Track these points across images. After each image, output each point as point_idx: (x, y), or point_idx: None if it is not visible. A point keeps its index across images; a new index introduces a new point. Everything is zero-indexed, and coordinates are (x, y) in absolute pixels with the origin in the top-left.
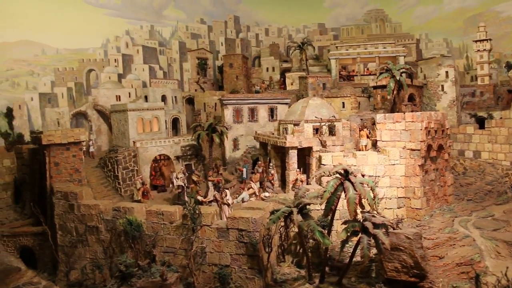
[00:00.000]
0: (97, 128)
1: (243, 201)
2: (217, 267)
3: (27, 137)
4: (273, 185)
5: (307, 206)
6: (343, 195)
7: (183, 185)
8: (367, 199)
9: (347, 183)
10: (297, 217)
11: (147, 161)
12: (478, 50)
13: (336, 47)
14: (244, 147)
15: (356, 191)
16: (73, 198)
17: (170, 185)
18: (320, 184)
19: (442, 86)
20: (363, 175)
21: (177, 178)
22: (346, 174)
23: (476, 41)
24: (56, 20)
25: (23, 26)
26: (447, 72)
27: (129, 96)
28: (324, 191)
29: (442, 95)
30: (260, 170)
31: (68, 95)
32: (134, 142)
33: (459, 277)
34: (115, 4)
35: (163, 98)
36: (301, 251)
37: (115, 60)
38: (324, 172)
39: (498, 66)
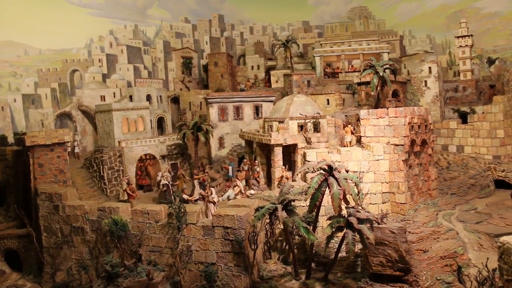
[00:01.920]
0: (82, 129)
1: (228, 199)
2: (203, 265)
3: (10, 139)
4: (258, 182)
5: (292, 203)
6: (327, 191)
7: (168, 183)
8: (351, 195)
9: (331, 179)
10: (282, 214)
11: (133, 160)
12: (460, 46)
13: (321, 44)
14: (229, 145)
15: (340, 186)
16: (57, 199)
17: (156, 185)
18: (305, 181)
19: (426, 81)
20: (347, 171)
21: (163, 177)
22: (330, 170)
23: (458, 37)
24: (38, 20)
25: (4, 26)
26: (430, 67)
27: (114, 96)
28: (309, 187)
29: (425, 90)
30: (246, 168)
31: (52, 96)
32: (119, 142)
33: (443, 270)
34: (99, 3)
35: (148, 98)
36: (287, 247)
37: (99, 60)
38: (308, 168)
39: (480, 61)
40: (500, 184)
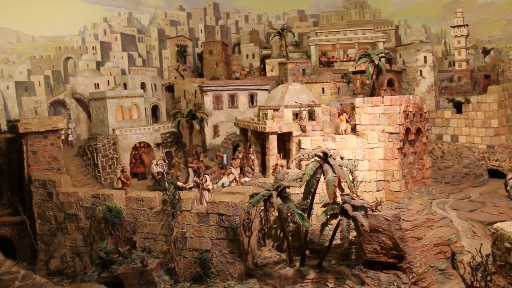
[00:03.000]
0: (76, 117)
1: (223, 186)
2: (198, 252)
3: (3, 127)
4: (253, 170)
5: (287, 189)
6: (322, 178)
7: (163, 171)
8: (346, 182)
9: (326, 166)
10: (277, 200)
11: (127, 148)
12: (456, 36)
13: (316, 33)
14: (224, 133)
15: (335, 173)
16: (51, 186)
17: (151, 172)
18: (299, 168)
19: (421, 71)
20: (342, 158)
21: (157, 165)
22: (325, 157)
23: (453, 27)
24: (31, 6)
25: None
26: (425, 57)
27: (108, 84)
28: (304, 174)
29: (420, 80)
30: (241, 156)
31: (46, 84)
32: (113, 130)
33: (436, 257)
34: None
35: (143, 86)
36: (281, 235)
37: (93, 47)
38: (303, 155)
39: (475, 52)
40: (494, 173)
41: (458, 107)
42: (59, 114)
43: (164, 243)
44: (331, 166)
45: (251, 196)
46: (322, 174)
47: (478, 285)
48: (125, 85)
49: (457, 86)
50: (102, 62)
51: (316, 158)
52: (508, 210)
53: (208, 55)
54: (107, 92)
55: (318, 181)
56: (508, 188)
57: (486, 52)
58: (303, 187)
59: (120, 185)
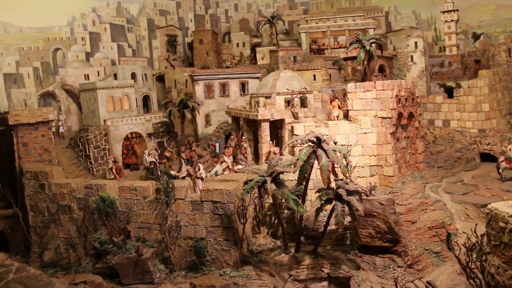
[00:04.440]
0: (66, 108)
1: (216, 174)
2: (193, 240)
3: None
4: (246, 158)
5: (281, 176)
6: (316, 163)
7: (155, 161)
8: (340, 166)
9: (319, 151)
10: (271, 186)
11: (119, 139)
12: (446, 21)
13: (306, 20)
14: (216, 122)
15: (329, 158)
16: (43, 178)
17: (143, 162)
18: (293, 155)
19: (412, 56)
20: (335, 143)
21: (149, 155)
22: (318, 142)
23: (443, 12)
24: None
25: None
26: (416, 42)
27: (98, 75)
28: (297, 159)
29: (411, 65)
30: (233, 144)
31: (35, 75)
32: (104, 121)
33: (431, 240)
34: None
35: (133, 76)
36: (276, 221)
37: (82, 38)
38: (296, 141)
39: (465, 37)
40: (486, 157)
41: (449, 92)
42: (49, 106)
43: (159, 232)
44: (324, 151)
45: (245, 183)
46: (316, 159)
47: (473, 265)
48: (115, 75)
49: (448, 71)
50: (92, 53)
51: (310, 143)
52: (501, 192)
53: (198, 44)
54: (98, 82)
55: (312, 166)
56: (500, 170)
57: (476, 37)
58: (297, 173)
59: (112, 176)
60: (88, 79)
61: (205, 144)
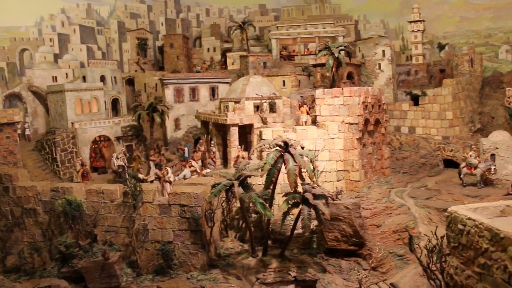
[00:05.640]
0: (33, 110)
1: (184, 178)
2: (160, 244)
3: None
4: (215, 162)
5: (248, 179)
6: (283, 167)
7: (124, 164)
8: (307, 171)
9: (287, 155)
10: (238, 190)
11: (87, 142)
12: (413, 31)
13: (277, 27)
14: (185, 127)
15: (296, 162)
16: (7, 180)
17: (112, 166)
18: (261, 159)
19: (379, 64)
20: (302, 147)
21: (118, 158)
22: (286, 146)
23: (410, 22)
24: None
25: None
26: (383, 51)
27: (67, 77)
28: (265, 163)
29: (379, 73)
30: (202, 148)
31: (0, 76)
32: (72, 124)
33: (395, 243)
34: None
35: (102, 79)
36: (243, 225)
37: (51, 39)
38: (264, 145)
39: (431, 47)
40: (449, 163)
41: (415, 100)
42: (14, 107)
43: (126, 235)
44: (292, 155)
45: (213, 186)
46: (283, 164)
47: (433, 267)
48: (84, 78)
49: (414, 79)
50: (60, 54)
51: (277, 147)
52: (462, 197)
53: (169, 48)
54: (66, 85)
55: (279, 171)
56: (461, 176)
57: (441, 47)
58: (264, 177)
59: (80, 179)
60: (56, 81)
61: (174, 148)
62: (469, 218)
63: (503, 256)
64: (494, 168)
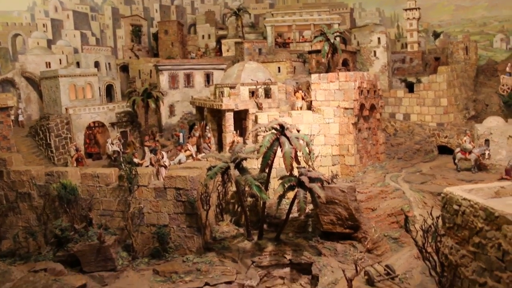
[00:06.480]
0: (26, 96)
1: (180, 162)
2: (156, 227)
3: None
4: (210, 148)
5: (244, 163)
6: (279, 151)
7: (119, 150)
8: (302, 154)
9: (283, 138)
10: (234, 172)
11: (81, 128)
12: (408, 19)
13: (272, 14)
14: (180, 113)
15: (292, 145)
16: (1, 165)
17: (106, 152)
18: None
19: (375, 51)
20: (298, 131)
21: (112, 144)
22: (281, 129)
23: (406, 10)
24: None
25: None
26: (379, 38)
27: (60, 63)
28: (260, 146)
29: (374, 60)
30: (197, 134)
31: None
32: (66, 109)
33: (390, 226)
34: None
35: (96, 65)
36: (239, 209)
37: (44, 25)
38: (260, 128)
39: (426, 35)
40: (443, 149)
41: (410, 87)
42: (8, 93)
43: (121, 219)
44: (287, 138)
45: (209, 169)
46: (279, 146)
47: (429, 247)
48: (78, 64)
49: (409, 67)
50: (54, 40)
51: (273, 131)
52: (456, 181)
53: (163, 35)
54: (60, 70)
55: (275, 153)
56: (456, 161)
57: (436, 35)
58: (260, 160)
59: (74, 165)
60: (50, 67)
61: (169, 135)
62: (464, 199)
63: (498, 234)
64: (488, 153)
